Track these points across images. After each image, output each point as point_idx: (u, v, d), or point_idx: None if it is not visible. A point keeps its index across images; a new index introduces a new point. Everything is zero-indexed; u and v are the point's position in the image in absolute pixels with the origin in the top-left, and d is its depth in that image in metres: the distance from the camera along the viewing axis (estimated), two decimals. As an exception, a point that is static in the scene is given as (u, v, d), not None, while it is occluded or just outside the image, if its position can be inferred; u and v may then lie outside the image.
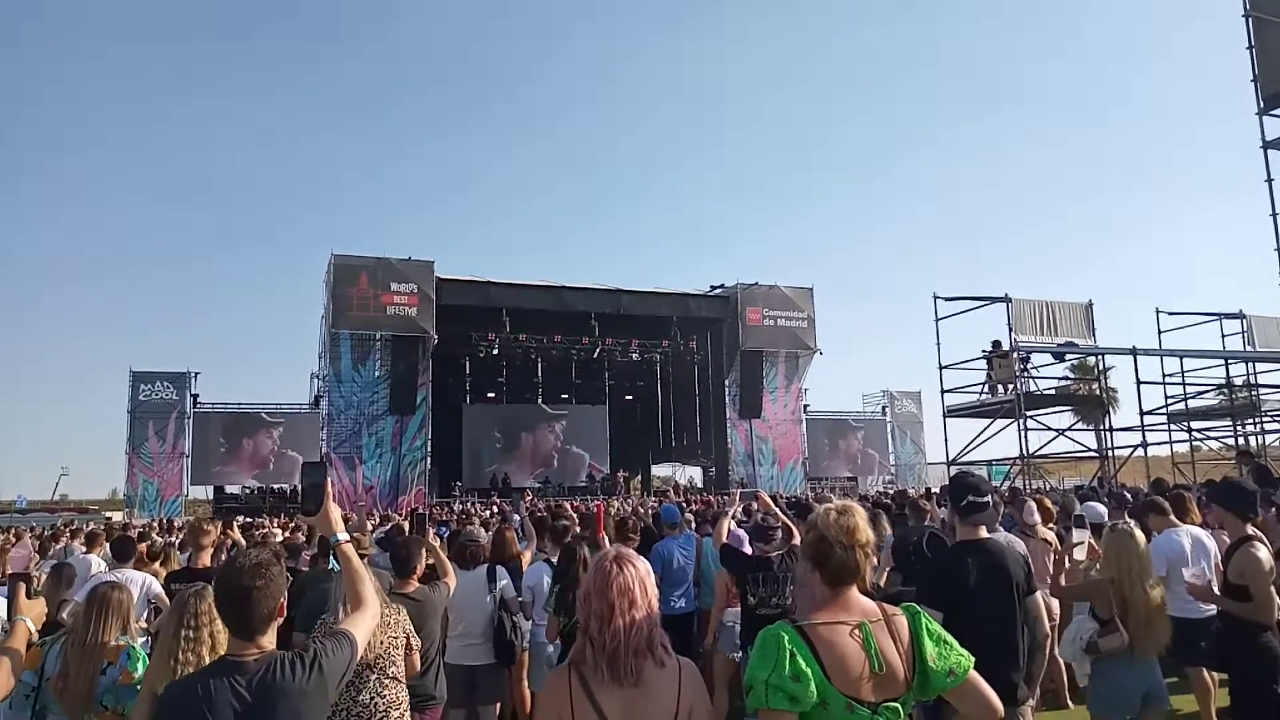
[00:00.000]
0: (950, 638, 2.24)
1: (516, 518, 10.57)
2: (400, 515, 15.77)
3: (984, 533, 3.80)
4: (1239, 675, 4.54)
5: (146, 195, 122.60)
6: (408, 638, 4.13)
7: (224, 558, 7.30)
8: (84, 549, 9.54)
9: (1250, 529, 4.70)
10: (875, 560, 2.47)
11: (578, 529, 7.12)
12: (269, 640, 2.38)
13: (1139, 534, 4.38)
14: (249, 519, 18.16)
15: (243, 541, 7.70)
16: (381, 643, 3.90)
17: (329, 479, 2.69)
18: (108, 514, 31.70)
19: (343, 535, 2.66)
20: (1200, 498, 7.00)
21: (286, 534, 11.19)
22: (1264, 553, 4.45)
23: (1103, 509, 7.98)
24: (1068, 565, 5.10)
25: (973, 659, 2.23)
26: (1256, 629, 4.39)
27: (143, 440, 29.07)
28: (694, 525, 8.53)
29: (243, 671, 2.26)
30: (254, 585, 2.33)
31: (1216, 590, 4.86)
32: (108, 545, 10.35)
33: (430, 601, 4.74)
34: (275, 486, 29.65)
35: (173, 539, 12.43)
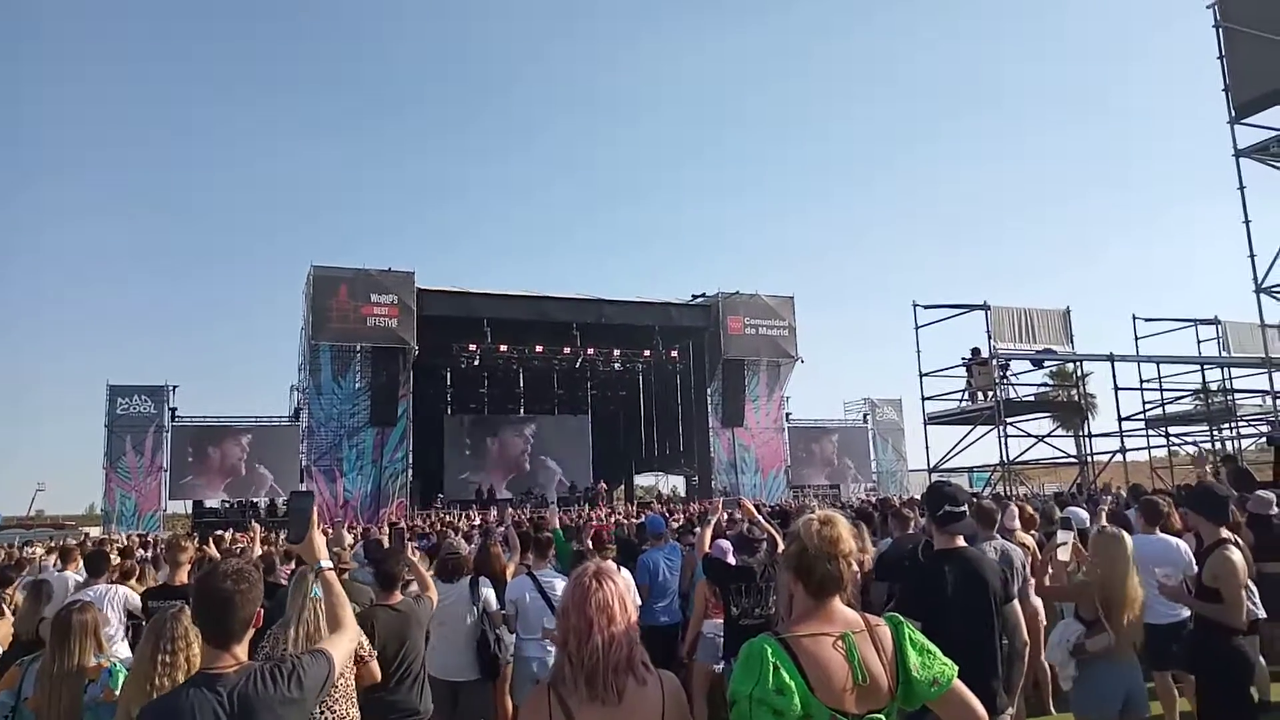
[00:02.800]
0: (933, 647, 2.24)
1: (501, 529, 10.49)
2: (379, 528, 15.62)
3: (961, 541, 3.82)
4: (1208, 678, 4.60)
5: (125, 209, 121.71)
6: (357, 650, 4.09)
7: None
8: (59, 565, 9.36)
9: (1225, 532, 4.74)
10: (858, 570, 2.46)
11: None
12: (243, 651, 2.39)
13: (1127, 537, 4.42)
14: (224, 533, 17.92)
15: (219, 557, 7.59)
16: None
17: (314, 508, 2.76)
18: (84, 529, 31.28)
19: (326, 563, 2.72)
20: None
21: (267, 547, 11.04)
22: (1237, 556, 4.50)
23: (1084, 514, 8.04)
24: (1051, 568, 5.13)
25: (956, 668, 2.22)
26: (1228, 632, 4.43)
27: (120, 455, 28.63)
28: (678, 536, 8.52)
29: (222, 683, 2.26)
30: (236, 590, 2.36)
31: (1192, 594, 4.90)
32: (82, 560, 10.20)
33: (414, 614, 4.73)
34: (254, 501, 29.34)
35: (146, 554, 12.24)
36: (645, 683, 2.13)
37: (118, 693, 3.45)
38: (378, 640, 4.40)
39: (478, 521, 16.92)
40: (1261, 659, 5.42)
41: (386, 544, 8.20)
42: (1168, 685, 5.90)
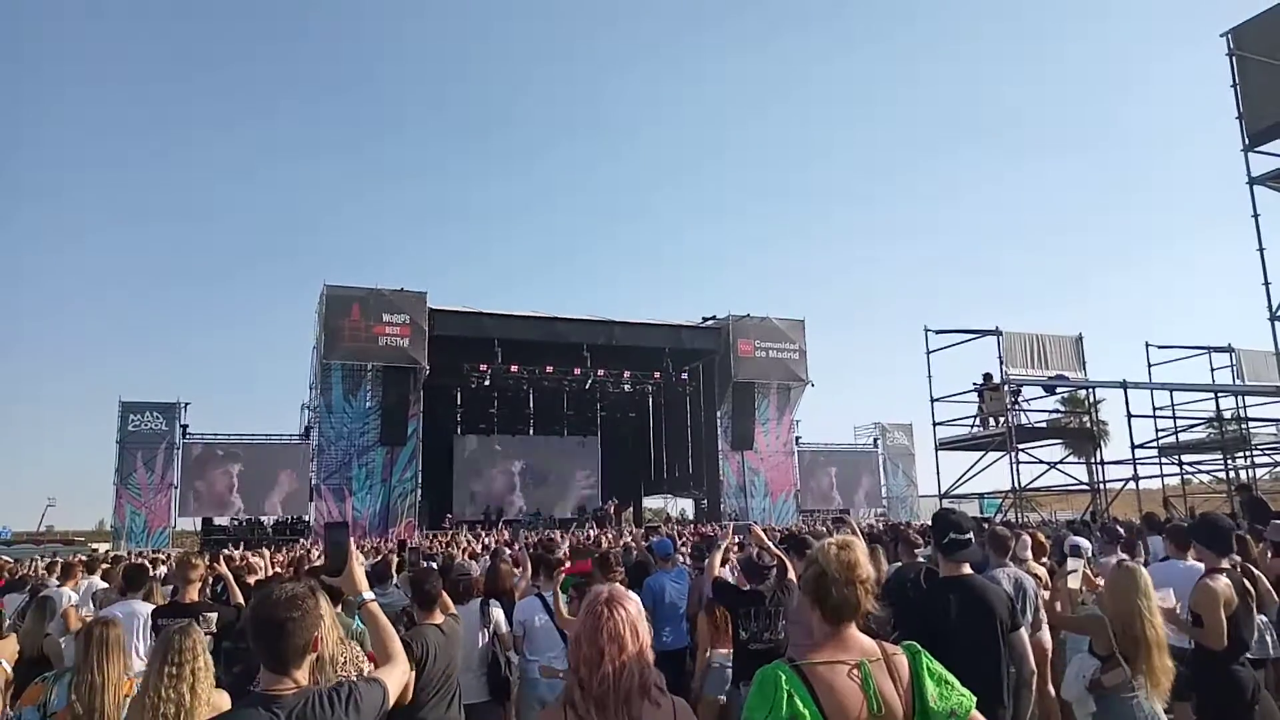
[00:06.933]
0: (951, 677, 2.20)
1: (509, 550, 10.46)
2: (388, 547, 15.59)
3: (966, 569, 3.80)
4: (1206, 704, 4.62)
5: (138, 223, 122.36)
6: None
7: (209, 593, 7.20)
8: (58, 582, 9.27)
9: (1225, 563, 4.86)
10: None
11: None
12: (303, 675, 2.37)
13: (1144, 571, 4.37)
14: (234, 551, 17.93)
15: (230, 576, 7.57)
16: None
17: (351, 539, 2.72)
18: (94, 545, 31.34)
19: (368, 595, 2.68)
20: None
21: (276, 569, 10.99)
22: (1220, 583, 4.65)
23: (1087, 543, 7.96)
24: (1060, 599, 5.09)
25: (974, 699, 2.19)
26: (1226, 658, 4.52)
27: (131, 471, 28.77)
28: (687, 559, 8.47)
29: (279, 705, 2.24)
30: (289, 617, 2.33)
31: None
32: (85, 578, 10.13)
33: (455, 632, 4.79)
34: (262, 519, 29.38)
35: (155, 573, 12.19)
36: (659, 705, 2.12)
37: None
38: (429, 657, 4.42)
39: (489, 543, 16.85)
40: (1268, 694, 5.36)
41: (396, 565, 8.20)
42: (1187, 716, 5.81)
